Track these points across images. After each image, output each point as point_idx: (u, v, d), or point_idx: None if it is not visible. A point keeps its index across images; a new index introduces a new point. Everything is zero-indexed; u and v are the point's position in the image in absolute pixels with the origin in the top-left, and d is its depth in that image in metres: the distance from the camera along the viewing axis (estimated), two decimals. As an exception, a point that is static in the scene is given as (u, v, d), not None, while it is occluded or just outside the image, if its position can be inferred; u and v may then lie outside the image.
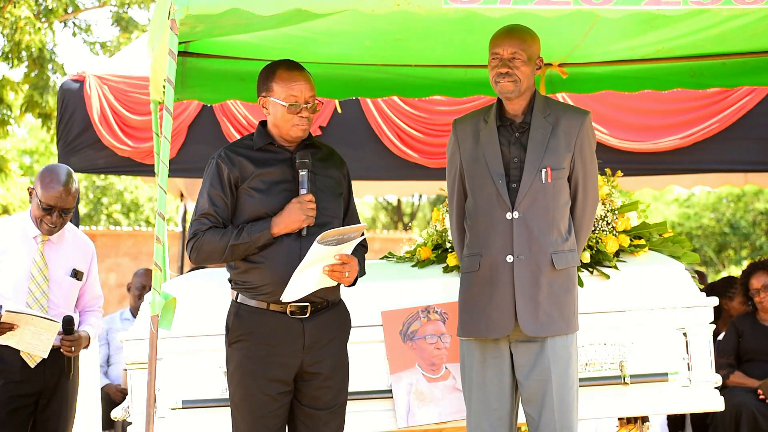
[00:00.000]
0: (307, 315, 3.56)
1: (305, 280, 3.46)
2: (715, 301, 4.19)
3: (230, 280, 3.65)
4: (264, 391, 3.53)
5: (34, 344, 4.41)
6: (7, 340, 4.39)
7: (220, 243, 3.52)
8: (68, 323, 4.50)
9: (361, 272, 3.69)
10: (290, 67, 3.63)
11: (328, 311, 3.62)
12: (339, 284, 3.61)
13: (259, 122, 3.70)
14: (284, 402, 3.57)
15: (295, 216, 3.51)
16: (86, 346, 4.63)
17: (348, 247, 3.49)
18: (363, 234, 3.56)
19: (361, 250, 3.73)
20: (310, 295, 3.54)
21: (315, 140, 3.74)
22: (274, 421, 3.56)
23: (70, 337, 4.50)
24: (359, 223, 3.76)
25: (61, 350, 4.50)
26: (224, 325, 3.66)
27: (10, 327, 4.35)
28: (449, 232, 4.32)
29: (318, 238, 3.36)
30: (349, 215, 3.76)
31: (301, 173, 3.56)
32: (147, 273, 6.75)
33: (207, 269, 4.69)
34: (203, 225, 3.56)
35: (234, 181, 3.58)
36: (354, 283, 3.62)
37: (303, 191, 3.54)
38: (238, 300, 3.62)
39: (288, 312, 3.55)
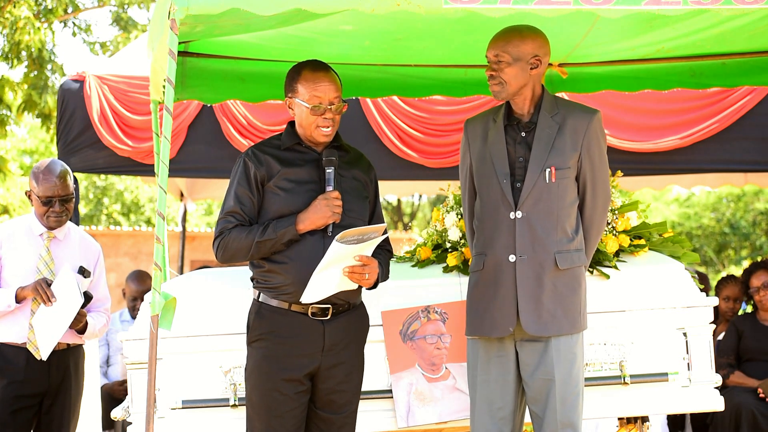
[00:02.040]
0: (328, 317, 3.56)
1: (325, 281, 3.46)
2: (715, 301, 4.19)
3: (252, 279, 3.67)
4: (281, 391, 3.54)
5: (48, 330, 4.43)
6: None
7: (246, 240, 3.53)
8: (87, 298, 4.55)
9: (385, 276, 3.69)
10: (315, 67, 3.64)
11: (348, 313, 3.62)
12: (360, 287, 3.61)
13: (288, 122, 3.72)
14: (301, 402, 3.57)
15: (321, 212, 3.51)
16: (81, 331, 4.63)
17: (368, 248, 3.48)
18: (385, 233, 3.55)
19: (385, 254, 3.73)
20: (332, 297, 3.54)
21: (344, 143, 3.75)
22: (292, 421, 3.56)
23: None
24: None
25: None
26: (245, 323, 3.68)
27: (49, 298, 4.41)
28: (450, 232, 4.32)
29: (337, 236, 3.36)
30: (375, 219, 3.76)
31: (327, 170, 3.57)
32: (140, 279, 6.70)
33: (207, 269, 4.69)
34: (229, 223, 3.58)
35: (261, 179, 3.60)
36: (375, 286, 3.63)
37: (329, 188, 3.55)
38: (259, 299, 3.63)
39: (309, 313, 3.55)
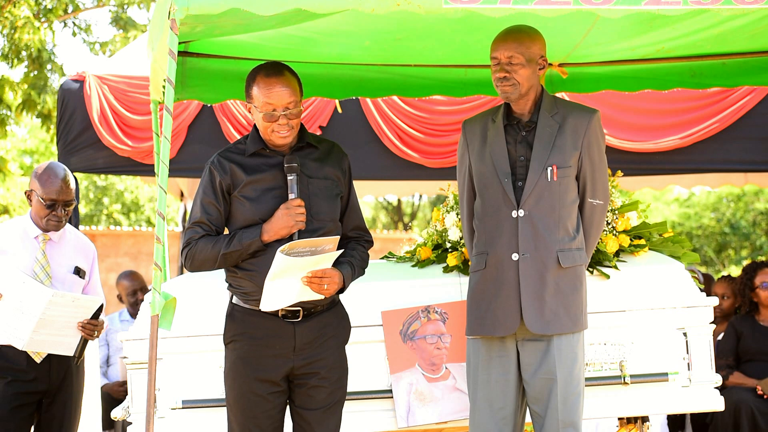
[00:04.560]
0: (299, 319, 3.54)
1: (284, 290, 3.42)
2: (715, 301, 4.19)
3: (226, 281, 3.65)
4: (255, 392, 3.52)
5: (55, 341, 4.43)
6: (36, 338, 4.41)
7: (212, 251, 3.51)
8: (99, 308, 4.54)
9: (359, 272, 3.64)
10: (269, 72, 3.54)
11: (322, 313, 3.59)
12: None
13: (253, 125, 3.65)
14: (277, 403, 3.56)
15: (283, 222, 3.47)
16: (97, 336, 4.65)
17: (325, 262, 3.44)
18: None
19: (360, 248, 3.68)
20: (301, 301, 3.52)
21: (312, 138, 3.67)
22: (267, 422, 3.54)
23: (95, 321, 4.51)
24: (360, 217, 3.73)
25: (82, 332, 4.48)
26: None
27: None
28: (450, 232, 4.32)
29: (281, 248, 3.31)
30: (349, 211, 3.69)
31: (289, 177, 3.51)
32: (132, 276, 6.70)
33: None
34: (196, 233, 3.55)
35: (226, 188, 3.55)
36: (342, 291, 3.59)
37: (292, 196, 3.50)
38: (233, 301, 3.62)
39: (280, 315, 3.53)
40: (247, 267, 3.53)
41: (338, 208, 3.64)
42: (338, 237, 3.45)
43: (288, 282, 3.41)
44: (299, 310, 3.53)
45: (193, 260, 3.56)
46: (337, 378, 3.63)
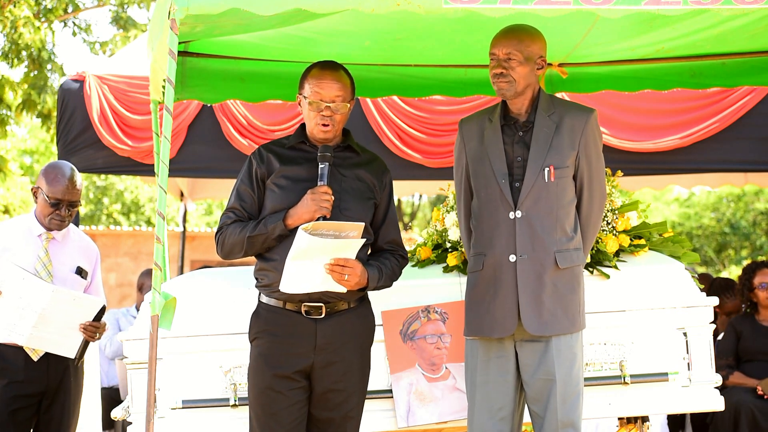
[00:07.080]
0: (322, 315, 3.56)
1: (305, 274, 3.44)
2: (715, 300, 4.19)
3: (254, 276, 3.69)
4: (274, 388, 3.55)
5: (55, 340, 4.42)
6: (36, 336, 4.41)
7: (240, 236, 3.59)
8: (101, 310, 4.54)
9: (385, 282, 3.66)
10: (324, 66, 3.67)
11: (345, 313, 3.61)
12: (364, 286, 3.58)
13: (301, 122, 3.75)
14: (298, 399, 3.57)
15: (306, 207, 3.52)
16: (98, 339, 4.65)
17: (349, 249, 3.46)
18: (365, 238, 3.52)
19: (394, 259, 3.71)
20: (323, 296, 3.54)
21: (356, 145, 3.74)
22: (288, 419, 3.56)
23: (96, 323, 4.52)
24: (397, 232, 3.77)
25: (84, 334, 4.49)
26: (247, 323, 3.70)
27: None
28: (450, 232, 4.32)
29: (303, 226, 3.35)
30: (386, 224, 3.75)
31: (320, 165, 3.57)
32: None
33: (207, 269, 4.69)
34: (228, 219, 3.66)
35: (261, 176, 3.65)
36: (364, 290, 3.62)
37: (320, 183, 3.55)
38: (260, 298, 3.67)
39: (303, 312, 3.56)
40: (270, 257, 3.59)
41: (369, 212, 3.68)
42: (363, 225, 3.46)
43: (310, 267, 3.43)
44: (321, 306, 3.56)
45: (223, 245, 3.65)
46: (355, 381, 3.64)
